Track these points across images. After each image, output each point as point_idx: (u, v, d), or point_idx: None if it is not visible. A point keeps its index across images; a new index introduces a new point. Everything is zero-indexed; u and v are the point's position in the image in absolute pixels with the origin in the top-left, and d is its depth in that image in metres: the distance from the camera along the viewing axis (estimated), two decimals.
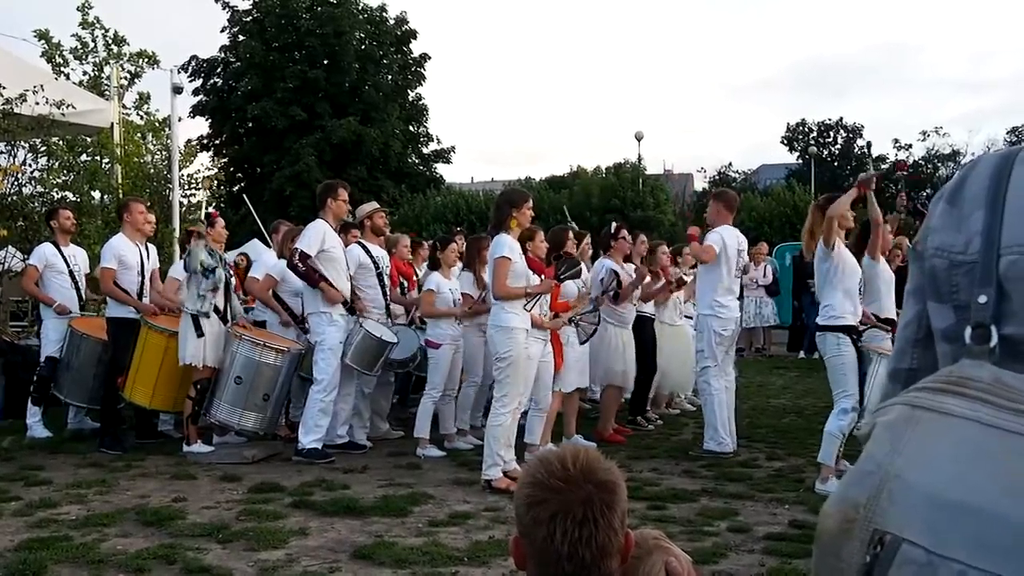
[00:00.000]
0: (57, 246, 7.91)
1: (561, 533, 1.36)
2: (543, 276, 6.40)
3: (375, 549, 4.57)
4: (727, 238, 7.11)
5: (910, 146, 41.64)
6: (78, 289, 7.92)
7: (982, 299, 1.02)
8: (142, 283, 7.43)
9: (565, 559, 1.37)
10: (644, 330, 8.19)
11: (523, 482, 1.45)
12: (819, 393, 10.50)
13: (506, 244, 6.04)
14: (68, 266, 7.85)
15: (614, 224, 8.30)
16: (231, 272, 7.38)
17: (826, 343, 6.02)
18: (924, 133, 41.26)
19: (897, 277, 6.90)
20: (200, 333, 6.93)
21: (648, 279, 8.17)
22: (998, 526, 0.85)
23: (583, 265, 7.28)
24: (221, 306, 7.12)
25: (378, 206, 8.11)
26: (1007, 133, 39.77)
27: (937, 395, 0.97)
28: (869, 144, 43.70)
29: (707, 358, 7.17)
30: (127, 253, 7.37)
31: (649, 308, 8.36)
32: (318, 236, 6.89)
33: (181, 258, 7.90)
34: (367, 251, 7.61)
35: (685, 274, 9.15)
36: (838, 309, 5.96)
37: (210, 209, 13.38)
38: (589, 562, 1.37)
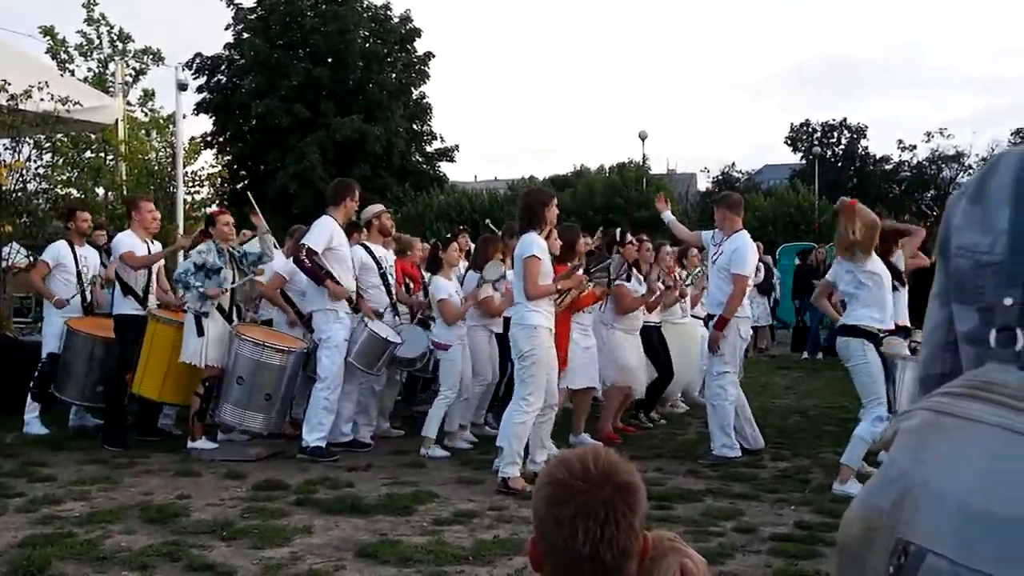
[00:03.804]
0: (72, 246, 7.91)
1: (583, 534, 1.35)
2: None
3: (380, 547, 4.56)
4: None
5: (914, 147, 41.46)
6: (83, 290, 7.90)
7: (1008, 301, 0.99)
8: (149, 279, 7.43)
9: (587, 560, 1.35)
10: (651, 338, 8.16)
11: (543, 482, 1.44)
12: (823, 394, 10.49)
13: (535, 243, 5.91)
14: (78, 267, 7.84)
15: (618, 230, 8.24)
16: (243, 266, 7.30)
17: (850, 348, 5.90)
18: (928, 134, 40.95)
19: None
20: (200, 332, 6.92)
21: (657, 293, 8.12)
22: None
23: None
24: (227, 306, 7.11)
25: (384, 208, 8.11)
26: (1011, 134, 39.41)
27: (962, 400, 0.94)
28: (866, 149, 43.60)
29: (727, 363, 6.90)
30: (136, 250, 7.36)
31: (654, 317, 8.30)
32: (326, 233, 6.87)
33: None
34: (370, 252, 7.59)
35: (693, 279, 9.09)
36: (864, 314, 5.87)
37: (212, 208, 13.37)
38: (611, 564, 1.36)
